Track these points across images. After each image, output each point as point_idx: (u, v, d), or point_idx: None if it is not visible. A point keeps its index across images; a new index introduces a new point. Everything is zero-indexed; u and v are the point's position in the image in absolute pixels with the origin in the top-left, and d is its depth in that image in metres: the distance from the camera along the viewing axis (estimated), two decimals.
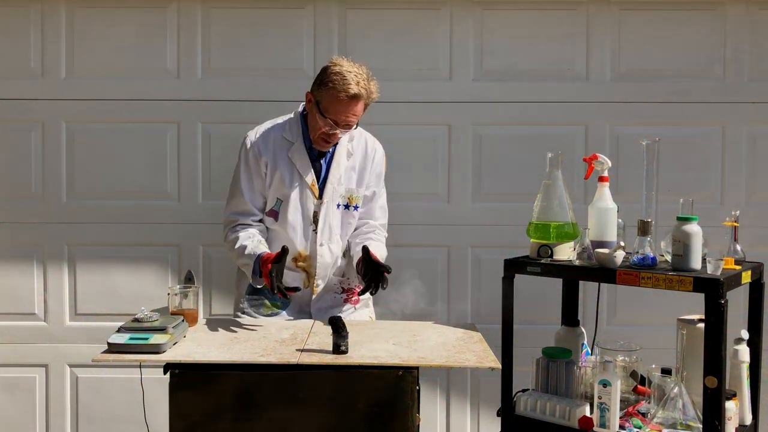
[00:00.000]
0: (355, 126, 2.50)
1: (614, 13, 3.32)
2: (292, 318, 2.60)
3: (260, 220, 2.60)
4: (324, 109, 2.43)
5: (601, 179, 2.36)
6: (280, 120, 2.63)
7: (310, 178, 2.55)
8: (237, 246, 2.49)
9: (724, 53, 3.33)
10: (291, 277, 2.57)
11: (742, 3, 3.31)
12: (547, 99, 3.32)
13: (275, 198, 2.57)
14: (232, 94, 3.30)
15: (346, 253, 2.67)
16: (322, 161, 2.58)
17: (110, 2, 3.28)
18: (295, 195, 2.55)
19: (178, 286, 2.38)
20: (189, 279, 2.43)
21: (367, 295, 2.61)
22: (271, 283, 2.33)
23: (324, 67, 2.49)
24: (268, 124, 2.62)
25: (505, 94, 3.32)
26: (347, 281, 2.68)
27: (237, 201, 2.57)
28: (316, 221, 2.56)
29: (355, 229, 2.69)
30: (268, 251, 2.46)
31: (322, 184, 2.57)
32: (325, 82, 2.43)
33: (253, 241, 2.49)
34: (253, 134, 2.59)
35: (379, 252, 2.59)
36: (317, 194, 2.56)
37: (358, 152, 2.63)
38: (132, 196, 3.31)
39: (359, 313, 2.71)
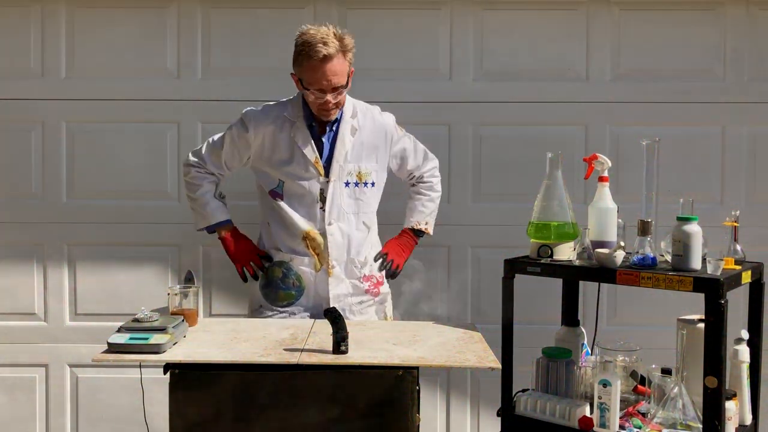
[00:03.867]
0: (346, 85, 2.49)
1: (614, 13, 3.32)
2: (310, 305, 2.60)
3: (221, 174, 2.69)
4: (307, 83, 2.45)
5: (601, 179, 2.36)
6: (280, 102, 2.66)
7: (313, 155, 2.55)
8: (198, 193, 2.65)
9: (724, 53, 3.33)
10: (299, 261, 2.59)
11: (742, 3, 3.31)
12: (547, 99, 3.32)
13: (277, 179, 2.57)
14: (232, 94, 3.30)
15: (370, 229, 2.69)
16: (324, 139, 2.58)
17: (110, 2, 3.28)
18: (298, 172, 2.55)
19: (178, 286, 2.38)
20: (189, 279, 2.43)
21: (387, 288, 2.74)
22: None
23: (294, 42, 2.48)
24: (269, 105, 2.65)
25: (505, 94, 3.32)
26: (367, 266, 2.66)
27: (213, 149, 2.65)
28: (323, 199, 2.56)
29: (413, 185, 2.82)
30: (229, 218, 2.68)
31: (327, 162, 2.57)
32: (298, 58, 2.46)
33: (214, 194, 2.66)
34: (252, 111, 2.61)
35: (415, 218, 2.79)
36: (322, 172, 2.56)
37: (365, 127, 2.63)
38: (132, 196, 3.31)
39: (376, 309, 2.70)
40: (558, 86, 3.32)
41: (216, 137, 2.69)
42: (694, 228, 2.11)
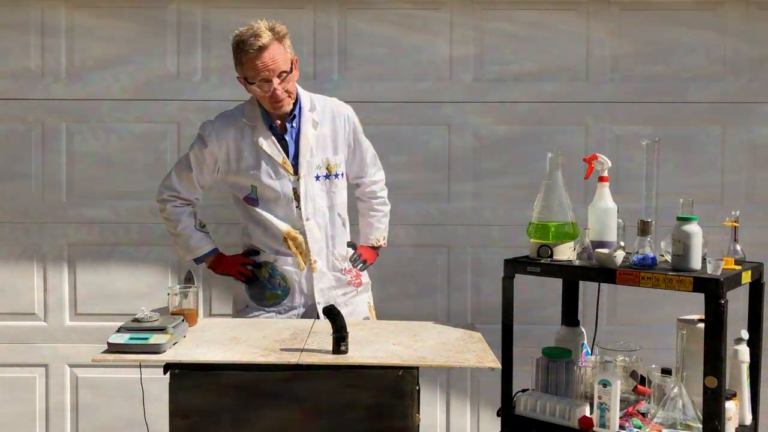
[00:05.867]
0: (290, 71, 2.48)
1: (614, 13, 3.32)
2: (297, 303, 2.62)
3: (196, 198, 2.69)
4: (251, 77, 2.45)
5: (601, 179, 2.36)
6: (236, 107, 2.66)
7: (280, 156, 2.56)
8: (179, 228, 2.64)
9: (724, 53, 3.32)
10: (283, 261, 2.61)
11: (742, 3, 3.31)
12: (547, 99, 3.32)
13: (249, 186, 2.58)
14: (232, 94, 3.28)
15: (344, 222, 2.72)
16: (287, 137, 2.59)
17: (110, 2, 3.28)
18: (268, 177, 2.55)
19: (178, 286, 2.38)
20: (189, 279, 2.44)
21: (368, 278, 2.80)
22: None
23: (231, 47, 2.50)
24: (225, 113, 2.64)
25: (505, 94, 3.32)
26: (345, 260, 2.71)
27: (183, 175, 2.63)
28: (297, 198, 2.57)
29: (357, 187, 2.82)
30: (215, 246, 2.69)
31: (294, 159, 2.57)
32: (236, 57, 2.48)
33: (195, 226, 2.66)
34: (210, 124, 2.61)
35: (374, 235, 2.84)
36: (291, 170, 2.57)
37: (325, 119, 2.64)
38: (132, 196, 3.31)
39: (359, 298, 2.74)
40: (558, 86, 3.32)
41: (181, 160, 2.70)
42: (694, 228, 2.11)
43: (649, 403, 2.24)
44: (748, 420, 2.30)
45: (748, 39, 3.32)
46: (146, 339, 2.04)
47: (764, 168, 3.34)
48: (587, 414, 2.20)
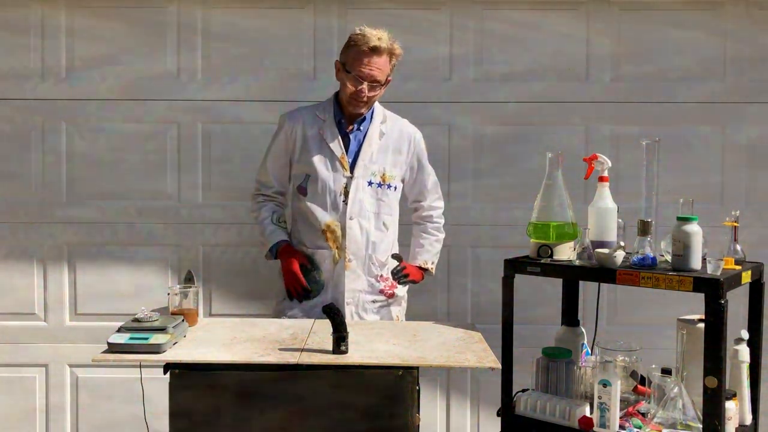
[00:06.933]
0: (382, 84, 2.61)
1: (614, 13, 3.32)
2: (328, 298, 2.65)
3: (278, 192, 2.78)
4: (350, 66, 2.57)
5: (601, 179, 2.36)
6: (314, 104, 2.78)
7: (339, 150, 2.65)
8: (258, 221, 2.76)
9: (724, 53, 3.32)
10: (320, 255, 2.66)
11: (742, 3, 3.31)
12: (547, 99, 3.32)
13: (303, 174, 2.67)
14: (232, 94, 3.30)
15: (386, 231, 2.74)
16: (351, 136, 2.68)
17: (110, 2, 3.28)
18: (323, 167, 2.64)
19: (178, 286, 2.38)
20: (189, 279, 2.44)
21: (403, 292, 2.82)
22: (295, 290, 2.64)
23: (349, 36, 2.63)
24: (302, 107, 2.78)
25: (505, 94, 3.32)
26: (386, 268, 2.72)
27: (262, 171, 2.76)
28: (346, 194, 2.64)
29: (415, 211, 2.90)
30: (285, 238, 2.71)
31: (353, 160, 2.66)
32: (348, 44, 2.63)
33: (272, 219, 2.73)
34: (286, 113, 2.75)
35: (423, 256, 2.85)
36: (347, 167, 2.64)
37: (392, 134, 2.74)
38: (132, 196, 3.31)
39: (389, 310, 2.76)
40: (558, 86, 3.32)
41: (266, 154, 2.78)
42: (694, 228, 2.11)
43: (649, 403, 2.24)
44: (748, 420, 2.30)
45: (747, 39, 3.31)
46: (146, 339, 2.04)
47: (764, 168, 3.34)
48: (587, 414, 2.20)
